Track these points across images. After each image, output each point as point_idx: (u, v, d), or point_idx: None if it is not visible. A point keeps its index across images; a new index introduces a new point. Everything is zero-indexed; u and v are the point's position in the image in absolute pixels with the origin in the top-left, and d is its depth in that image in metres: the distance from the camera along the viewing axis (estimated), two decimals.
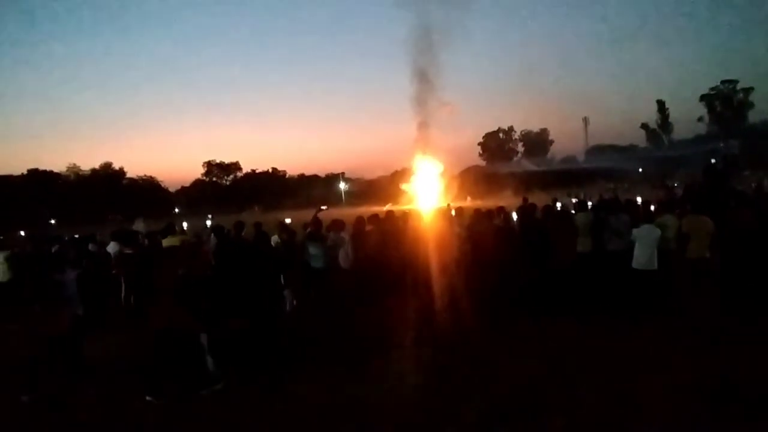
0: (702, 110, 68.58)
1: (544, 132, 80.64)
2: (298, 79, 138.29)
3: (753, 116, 65.52)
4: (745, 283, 6.62)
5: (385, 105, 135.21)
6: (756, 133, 57.90)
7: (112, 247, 9.15)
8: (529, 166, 72.04)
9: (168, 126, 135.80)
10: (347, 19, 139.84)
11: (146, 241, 8.50)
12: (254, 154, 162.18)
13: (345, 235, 7.81)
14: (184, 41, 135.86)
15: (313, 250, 7.42)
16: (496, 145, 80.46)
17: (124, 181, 76.46)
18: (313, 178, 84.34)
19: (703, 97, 68.32)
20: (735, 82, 66.76)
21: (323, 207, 10.45)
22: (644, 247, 6.72)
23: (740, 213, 7.31)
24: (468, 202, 39.95)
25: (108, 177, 74.96)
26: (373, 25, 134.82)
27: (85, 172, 77.03)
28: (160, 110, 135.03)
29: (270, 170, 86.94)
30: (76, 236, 10.89)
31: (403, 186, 53.97)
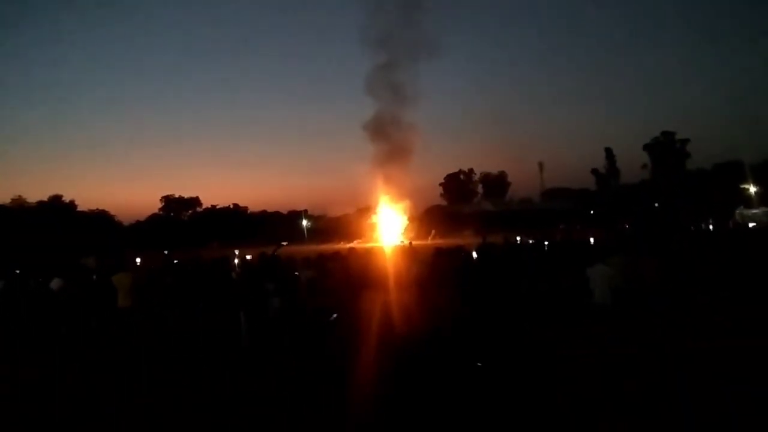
0: (646, 158, 73.52)
1: (502, 174, 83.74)
2: (261, 116, 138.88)
3: (690, 164, 70.86)
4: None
5: (349, 143, 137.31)
6: (692, 180, 62.43)
7: (55, 283, 8.69)
8: (489, 206, 74.19)
9: (124, 159, 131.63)
10: (310, 57, 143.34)
11: (95, 277, 8.14)
12: (215, 190, 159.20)
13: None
14: (142, 73, 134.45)
15: (270, 286, 7.28)
16: (457, 186, 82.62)
17: (75, 215, 72.76)
18: (276, 215, 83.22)
19: (646, 147, 73.43)
20: (673, 133, 72.41)
21: (283, 243, 10.34)
22: (597, 285, 7.02)
23: (645, 263, 7.60)
24: (430, 240, 40.45)
25: (56, 210, 71.17)
26: (338, 64, 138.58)
27: (32, 204, 72.86)
28: (115, 142, 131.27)
29: (231, 206, 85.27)
30: (17, 271, 10.27)
31: (367, 224, 54.13)
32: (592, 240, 10.60)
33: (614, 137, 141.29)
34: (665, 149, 71.73)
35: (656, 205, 56.02)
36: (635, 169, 73.86)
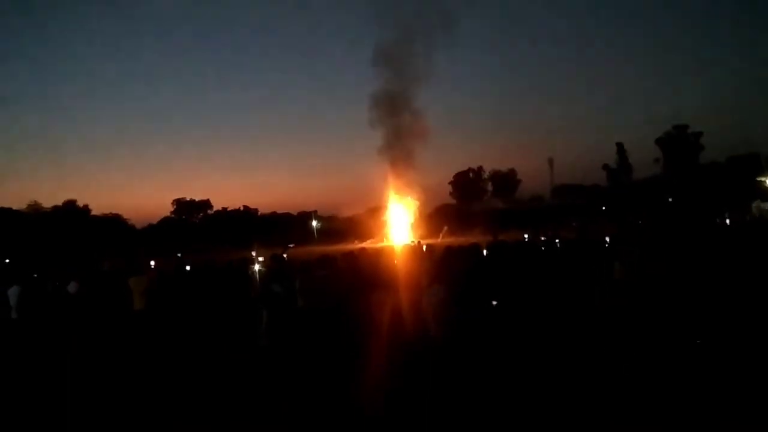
0: (658, 152, 72.58)
1: (512, 172, 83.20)
2: (269, 117, 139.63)
3: (704, 157, 69.78)
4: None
5: (357, 143, 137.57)
6: (707, 173, 61.47)
7: (72, 287, 8.84)
8: (499, 204, 73.74)
9: (136, 163, 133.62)
10: (319, 57, 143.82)
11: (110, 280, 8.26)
12: (225, 193, 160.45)
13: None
14: (153, 77, 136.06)
15: (276, 288, 7.30)
16: (466, 184, 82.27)
17: (88, 219, 73.84)
18: (286, 216, 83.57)
19: (658, 141, 72.48)
20: (686, 126, 71.34)
21: (290, 246, 10.37)
22: (607, 281, 6.95)
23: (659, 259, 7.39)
24: (441, 238, 40.36)
25: (70, 215, 72.30)
26: (345, 64, 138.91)
27: (47, 209, 74.15)
28: (128, 147, 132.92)
29: (241, 208, 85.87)
30: (35, 275, 10.47)
31: (377, 224, 54.23)
32: (607, 238, 10.48)
33: (625, 132, 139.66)
34: (678, 143, 70.73)
35: (670, 200, 55.25)
36: (647, 164, 72.87)
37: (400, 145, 46.57)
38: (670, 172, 67.33)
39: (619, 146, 74.45)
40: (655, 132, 73.49)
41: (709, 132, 71.56)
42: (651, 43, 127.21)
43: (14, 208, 70.67)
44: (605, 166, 75.29)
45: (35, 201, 74.74)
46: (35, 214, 72.60)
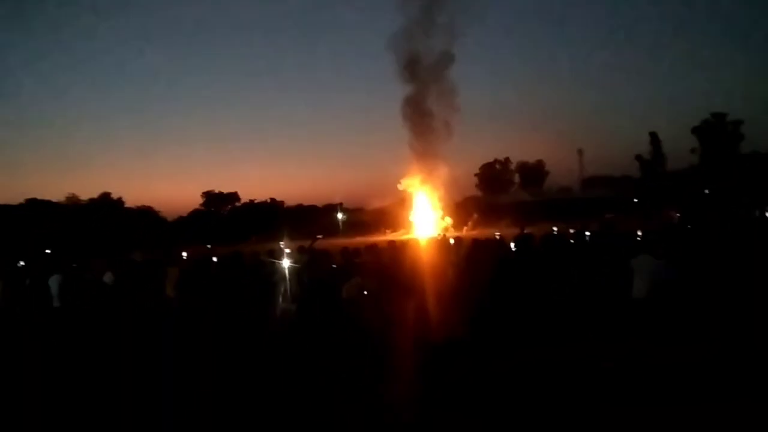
0: (695, 141, 69.79)
1: (539, 163, 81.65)
2: (296, 111, 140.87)
3: (744, 147, 66.71)
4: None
5: (384, 135, 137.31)
6: (746, 165, 58.81)
7: (108, 277, 9.18)
8: (526, 196, 72.53)
9: (167, 156, 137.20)
10: (346, 48, 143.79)
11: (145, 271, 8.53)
12: (253, 185, 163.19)
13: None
14: (183, 71, 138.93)
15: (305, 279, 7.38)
16: (492, 175, 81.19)
17: (122, 211, 76.41)
18: (311, 209, 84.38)
19: (694, 130, 69.65)
20: (725, 114, 68.26)
21: (319, 236, 10.49)
22: (643, 277, 6.76)
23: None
24: (467, 230, 39.99)
25: (105, 207, 74.95)
26: (371, 54, 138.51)
27: (84, 202, 77.07)
28: (160, 141, 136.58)
29: (268, 200, 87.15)
30: (74, 265, 10.91)
31: (402, 216, 54.08)
32: (640, 233, 10.15)
33: (660, 121, 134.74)
34: (716, 132, 67.74)
35: (706, 191, 53.14)
36: (683, 154, 70.25)
37: (427, 131, 46.07)
38: (708, 163, 64.71)
39: (653, 136, 71.84)
40: (691, 121, 70.65)
41: (750, 121, 68.18)
42: (688, 28, 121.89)
43: (53, 200, 73.85)
44: (638, 157, 72.84)
45: (73, 193, 77.88)
46: (73, 206, 75.58)
